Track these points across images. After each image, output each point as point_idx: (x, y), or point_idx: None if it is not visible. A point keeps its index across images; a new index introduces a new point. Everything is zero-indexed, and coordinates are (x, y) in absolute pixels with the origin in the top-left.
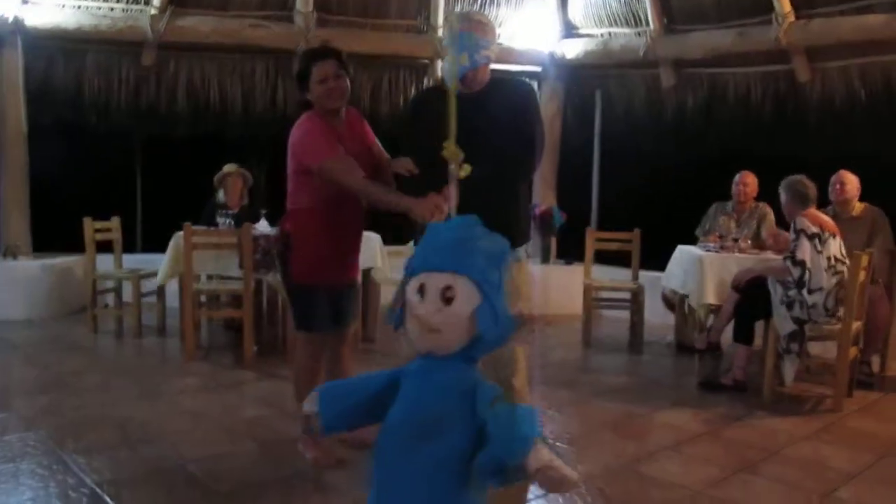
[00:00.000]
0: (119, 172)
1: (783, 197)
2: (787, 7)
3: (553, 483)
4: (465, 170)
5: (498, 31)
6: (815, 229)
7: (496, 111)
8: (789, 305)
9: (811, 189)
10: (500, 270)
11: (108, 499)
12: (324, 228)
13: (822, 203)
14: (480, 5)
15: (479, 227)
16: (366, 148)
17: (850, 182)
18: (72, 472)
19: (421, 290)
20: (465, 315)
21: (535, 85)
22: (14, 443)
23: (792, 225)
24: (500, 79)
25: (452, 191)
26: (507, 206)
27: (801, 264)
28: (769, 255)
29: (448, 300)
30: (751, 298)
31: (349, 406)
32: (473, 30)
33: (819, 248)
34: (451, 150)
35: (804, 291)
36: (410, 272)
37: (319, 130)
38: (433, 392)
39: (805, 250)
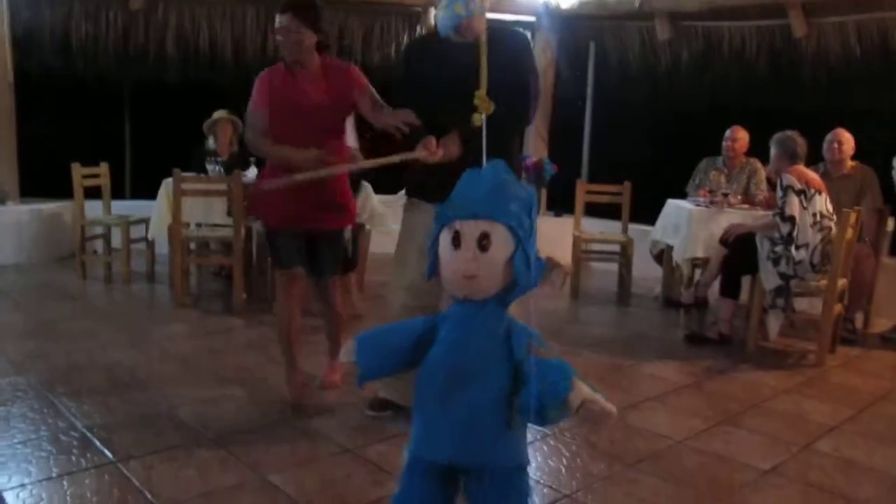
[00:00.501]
0: (107, 119)
1: (773, 151)
2: None
3: (594, 416)
4: (478, 119)
5: None
6: (800, 185)
7: (492, 60)
8: (775, 261)
9: (801, 146)
10: (530, 217)
11: (98, 443)
12: (280, 175)
13: (814, 160)
14: None
15: (510, 175)
16: (341, 101)
17: (847, 142)
18: (62, 415)
19: (456, 238)
20: (502, 261)
21: (528, 35)
22: (4, 387)
23: (779, 181)
24: (496, 28)
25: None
26: (502, 157)
27: (791, 220)
28: (759, 211)
29: (484, 247)
30: (738, 253)
31: (387, 353)
32: None
33: (805, 204)
34: (482, 98)
35: (791, 247)
36: (444, 221)
37: (260, 82)
38: (473, 336)
39: (794, 206)
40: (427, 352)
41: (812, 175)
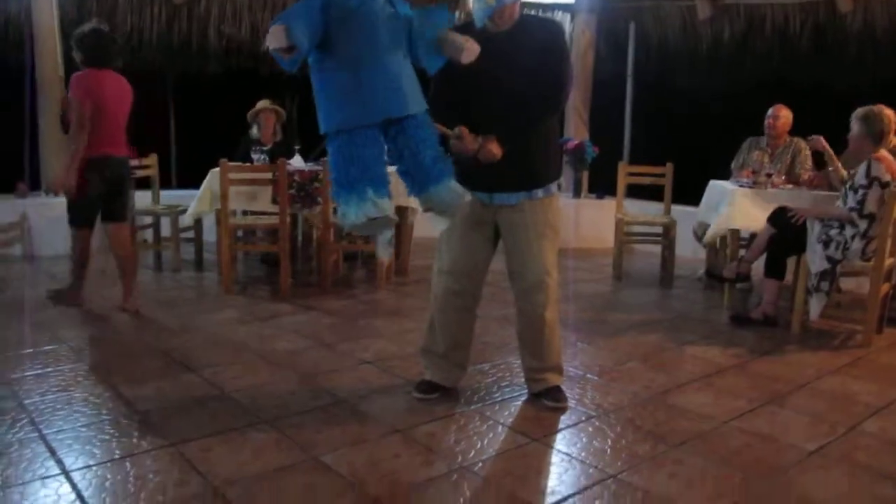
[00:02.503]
0: (153, 110)
1: (855, 128)
2: None
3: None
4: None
5: None
6: (888, 177)
7: (525, 49)
8: (825, 244)
9: (891, 124)
10: None
11: (157, 425)
12: None
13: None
14: None
15: None
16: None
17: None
18: (122, 399)
19: None
20: None
21: (567, 18)
22: (66, 372)
23: (865, 167)
24: (529, 16)
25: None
26: (537, 142)
27: (870, 217)
28: (803, 190)
29: None
30: (786, 233)
31: (309, 24)
32: None
33: (885, 197)
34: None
35: (862, 242)
36: None
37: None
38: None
39: (875, 201)
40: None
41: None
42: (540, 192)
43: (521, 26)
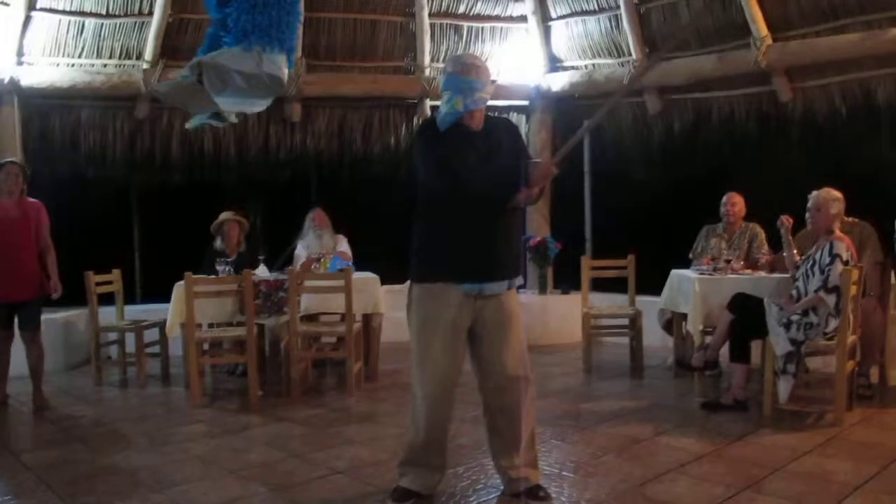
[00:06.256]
0: (117, 223)
1: (826, 208)
2: (764, 30)
3: None
4: None
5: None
6: (847, 256)
7: (502, 144)
8: (787, 326)
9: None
10: None
11: None
12: None
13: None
14: (466, 42)
15: None
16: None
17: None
18: None
19: None
20: None
21: (523, 118)
22: (28, 500)
23: (828, 248)
24: (491, 117)
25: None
26: (513, 231)
27: (836, 290)
28: (762, 274)
29: None
30: (745, 318)
31: None
32: (467, 73)
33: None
34: None
35: (831, 319)
36: None
37: None
38: None
39: (837, 276)
40: None
41: (850, 243)
42: (517, 281)
43: (490, 124)
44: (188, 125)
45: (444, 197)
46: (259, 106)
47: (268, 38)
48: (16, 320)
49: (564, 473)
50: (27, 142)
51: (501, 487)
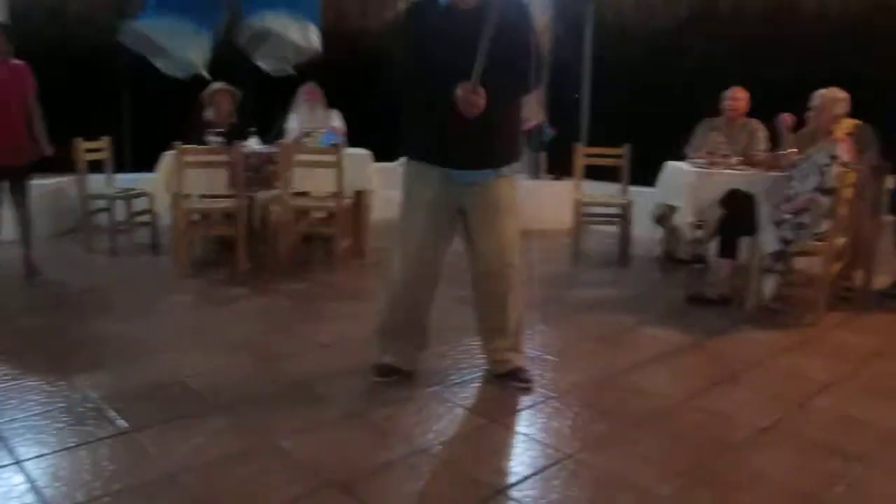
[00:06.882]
0: (106, 92)
1: (829, 108)
2: None
3: None
4: None
5: None
6: (846, 158)
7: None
8: (778, 225)
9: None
10: None
11: (112, 413)
12: None
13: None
14: None
15: None
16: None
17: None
18: (76, 387)
19: None
20: None
21: None
22: (19, 361)
23: (827, 148)
24: None
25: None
26: (505, 120)
27: (832, 192)
28: (758, 171)
29: None
30: (736, 215)
31: None
32: None
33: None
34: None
35: (823, 220)
36: None
37: None
38: None
39: (835, 177)
40: None
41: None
42: (505, 171)
43: (487, 3)
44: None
45: (417, 82)
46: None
47: None
48: (7, 186)
49: (547, 357)
50: (12, 9)
51: (486, 368)
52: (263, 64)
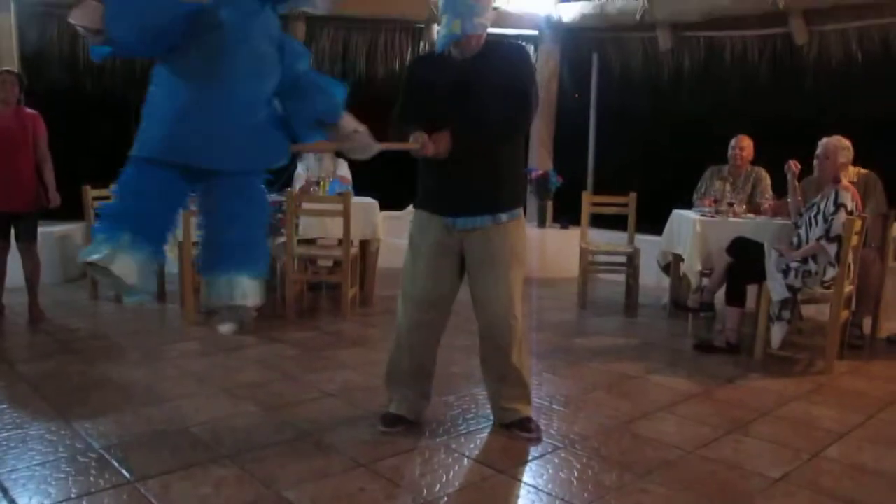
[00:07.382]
0: (114, 137)
1: (834, 156)
2: None
3: (364, 143)
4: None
5: None
6: (852, 206)
7: (490, 73)
8: (785, 272)
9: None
10: None
11: (115, 462)
12: None
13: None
14: None
15: None
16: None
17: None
18: (79, 436)
19: None
20: None
21: (531, 48)
22: (22, 408)
23: (833, 196)
24: (494, 41)
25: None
26: (501, 166)
27: (837, 239)
28: (764, 219)
29: None
30: (743, 262)
31: (149, 27)
32: None
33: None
34: None
35: (829, 268)
36: None
37: None
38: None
39: (841, 225)
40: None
41: (856, 192)
42: (504, 217)
43: (487, 50)
44: None
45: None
46: None
47: None
48: (13, 232)
49: (555, 407)
50: (24, 51)
51: (492, 418)
52: None
